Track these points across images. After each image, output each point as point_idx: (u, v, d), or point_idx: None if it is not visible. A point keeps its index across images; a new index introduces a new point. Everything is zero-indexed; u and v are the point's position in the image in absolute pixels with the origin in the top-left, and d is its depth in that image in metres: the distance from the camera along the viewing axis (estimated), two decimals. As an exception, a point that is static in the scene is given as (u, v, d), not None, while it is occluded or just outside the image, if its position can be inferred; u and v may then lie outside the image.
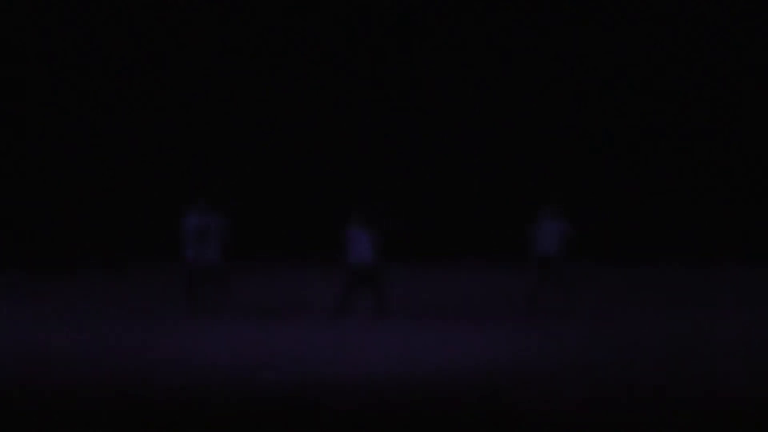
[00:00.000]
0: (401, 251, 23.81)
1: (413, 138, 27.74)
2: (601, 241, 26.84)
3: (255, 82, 28.08)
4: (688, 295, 23.21)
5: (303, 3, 27.97)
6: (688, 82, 27.77)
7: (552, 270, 20.52)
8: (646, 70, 27.65)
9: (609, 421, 13.27)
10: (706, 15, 27.72)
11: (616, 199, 27.63)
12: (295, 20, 28.00)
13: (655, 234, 27.37)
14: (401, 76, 28.06)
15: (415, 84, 28.00)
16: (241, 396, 14.86)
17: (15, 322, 20.47)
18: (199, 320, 20.46)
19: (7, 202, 27.81)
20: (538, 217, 20.60)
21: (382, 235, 20.76)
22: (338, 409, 14.16)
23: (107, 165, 28.23)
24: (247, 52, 28.15)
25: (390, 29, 27.92)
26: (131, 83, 28.20)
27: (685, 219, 27.46)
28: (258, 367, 16.61)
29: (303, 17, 28.00)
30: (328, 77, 28.01)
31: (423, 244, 27.07)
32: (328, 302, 21.37)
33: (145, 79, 28.21)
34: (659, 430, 12.71)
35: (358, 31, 27.96)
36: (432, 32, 27.89)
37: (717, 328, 19.29)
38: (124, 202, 28.06)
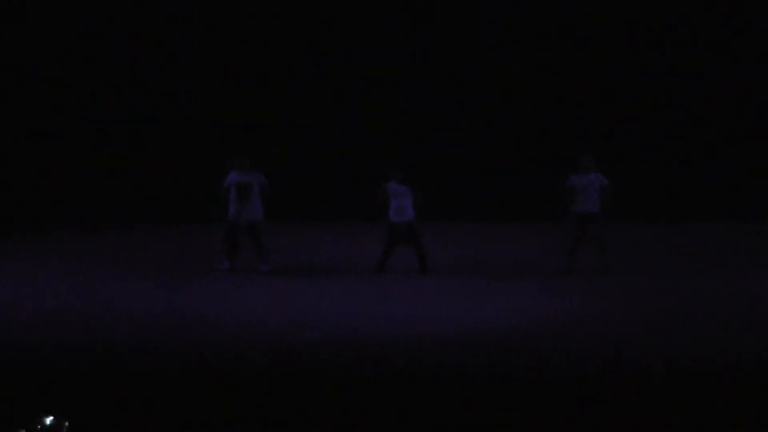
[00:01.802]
0: (437, 211, 23.63)
1: (442, 99, 27.55)
2: (651, 199, 26.69)
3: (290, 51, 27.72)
4: (735, 253, 22.72)
5: None
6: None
7: (591, 227, 19.98)
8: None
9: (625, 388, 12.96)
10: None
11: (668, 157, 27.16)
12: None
13: (713, 193, 26.88)
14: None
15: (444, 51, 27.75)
16: (282, 355, 14.74)
17: (74, 279, 20.34)
18: (239, 276, 20.35)
19: (47, 162, 27.76)
20: (574, 171, 20.07)
21: (421, 192, 20.44)
22: (374, 367, 14.05)
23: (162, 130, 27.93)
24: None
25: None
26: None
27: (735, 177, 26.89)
28: (298, 326, 16.46)
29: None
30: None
31: (459, 204, 26.88)
32: (367, 260, 21.16)
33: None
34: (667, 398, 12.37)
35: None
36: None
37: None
38: (165, 162, 27.85)
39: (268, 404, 12.24)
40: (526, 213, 26.08)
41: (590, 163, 19.99)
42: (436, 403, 12.33)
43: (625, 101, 26.99)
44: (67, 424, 10.71)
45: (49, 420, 10.72)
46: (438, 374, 13.66)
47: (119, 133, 27.77)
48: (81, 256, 22.83)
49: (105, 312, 17.40)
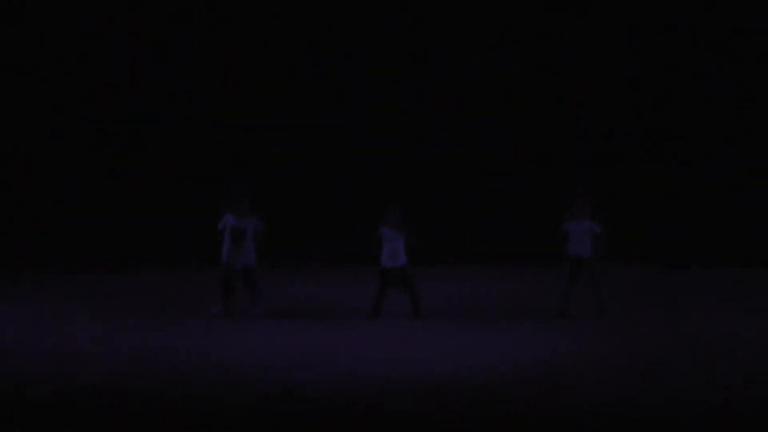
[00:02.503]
0: (431, 255, 23.73)
1: (435, 141, 27.78)
2: (642, 242, 26.75)
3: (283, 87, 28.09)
4: (728, 298, 22.59)
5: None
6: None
7: (585, 271, 20.07)
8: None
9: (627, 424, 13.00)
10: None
11: (654, 200, 27.34)
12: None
13: (701, 236, 27.01)
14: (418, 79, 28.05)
15: (430, 88, 28.02)
16: (277, 395, 14.61)
17: (53, 320, 20.32)
18: (234, 321, 20.22)
19: (44, 203, 27.95)
20: (569, 217, 20.15)
21: (415, 237, 20.30)
22: (371, 409, 13.87)
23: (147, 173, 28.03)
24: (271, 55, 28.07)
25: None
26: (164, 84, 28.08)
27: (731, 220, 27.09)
28: (293, 367, 16.31)
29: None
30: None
31: (457, 248, 27.01)
32: (361, 304, 21.06)
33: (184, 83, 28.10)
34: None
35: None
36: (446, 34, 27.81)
37: (751, 332, 18.73)
38: (161, 205, 27.95)
39: None
40: (521, 255, 26.15)
41: (584, 208, 20.05)
42: None
43: (619, 141, 27.33)
44: None
45: None
46: (432, 418, 13.47)
47: (109, 175, 27.98)
48: (72, 298, 22.76)
49: (95, 353, 17.28)
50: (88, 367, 16.22)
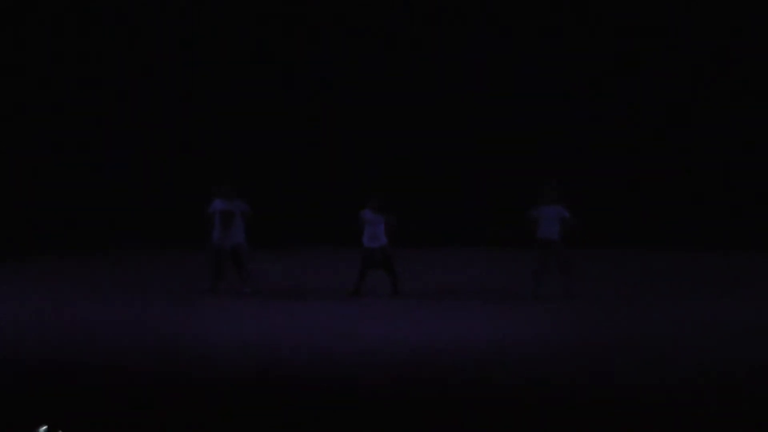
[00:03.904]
0: (410, 237, 23.56)
1: (412, 127, 27.82)
2: (610, 226, 26.49)
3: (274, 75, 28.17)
4: (696, 282, 22.49)
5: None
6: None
7: (553, 254, 20.14)
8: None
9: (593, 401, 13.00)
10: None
11: (624, 184, 27.39)
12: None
13: (671, 219, 26.96)
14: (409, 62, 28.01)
15: (412, 69, 27.94)
16: (260, 369, 14.76)
17: (58, 301, 20.32)
18: (224, 298, 20.40)
19: (49, 188, 27.92)
20: (539, 203, 20.25)
21: (394, 220, 20.60)
22: (348, 382, 14.04)
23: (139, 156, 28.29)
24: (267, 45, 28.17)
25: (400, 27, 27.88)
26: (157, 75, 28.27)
27: (702, 206, 26.99)
28: (277, 343, 16.46)
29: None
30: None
31: (431, 230, 26.95)
32: (343, 283, 21.28)
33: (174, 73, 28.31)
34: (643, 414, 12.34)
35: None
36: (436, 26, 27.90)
37: (718, 316, 18.60)
38: (157, 189, 28.12)
39: (246, 417, 12.20)
40: (494, 239, 26.11)
41: (553, 196, 20.18)
42: (406, 415, 12.38)
43: (597, 130, 27.36)
44: None
45: (42, 429, 10.88)
46: (408, 390, 13.59)
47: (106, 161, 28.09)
48: (70, 279, 22.94)
49: (94, 332, 17.33)
50: (86, 342, 16.37)
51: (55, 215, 27.43)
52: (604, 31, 27.19)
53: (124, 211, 27.72)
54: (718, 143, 26.96)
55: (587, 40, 27.21)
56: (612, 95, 27.23)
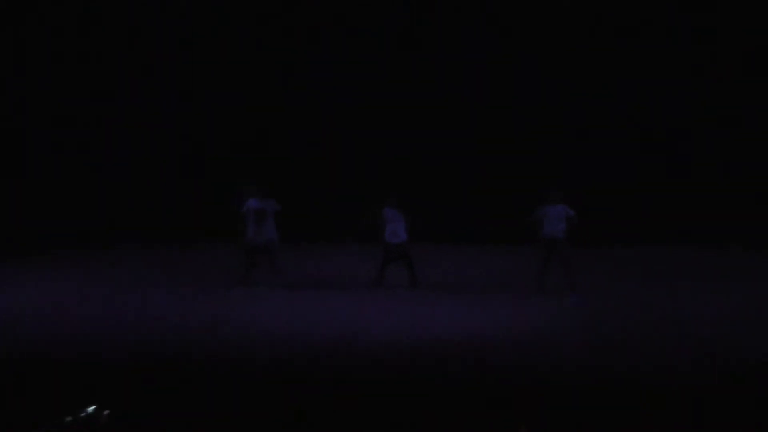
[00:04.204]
0: (426, 233, 23.73)
1: (420, 127, 27.80)
2: (611, 223, 26.54)
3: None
4: (692, 273, 22.71)
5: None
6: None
7: (558, 251, 20.61)
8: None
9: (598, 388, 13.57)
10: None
11: (625, 183, 27.28)
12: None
13: (668, 216, 26.86)
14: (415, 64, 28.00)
15: (421, 72, 27.95)
16: (288, 356, 15.38)
17: (92, 292, 20.92)
18: (256, 291, 20.96)
19: (83, 180, 28.05)
20: (544, 202, 20.73)
21: (414, 218, 21.26)
22: (369, 367, 14.71)
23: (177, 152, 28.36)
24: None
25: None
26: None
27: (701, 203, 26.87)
28: (304, 331, 17.21)
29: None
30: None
31: (444, 228, 27.00)
32: (365, 276, 21.85)
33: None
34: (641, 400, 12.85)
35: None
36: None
37: (714, 305, 19.09)
38: (194, 187, 28.17)
39: (278, 399, 12.75)
40: (504, 237, 26.10)
41: (557, 196, 20.76)
42: (425, 400, 12.94)
43: (596, 130, 27.39)
44: (106, 413, 11.19)
45: (91, 409, 11.17)
46: (427, 375, 14.16)
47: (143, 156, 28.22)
48: (109, 271, 23.36)
49: (138, 319, 18.15)
50: (131, 332, 16.98)
51: (76, 209, 27.43)
52: (604, 31, 27.21)
53: (148, 205, 27.76)
54: (718, 141, 26.97)
55: (589, 40, 27.25)
56: (610, 94, 27.22)
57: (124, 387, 13.22)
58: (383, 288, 21.00)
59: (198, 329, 17.29)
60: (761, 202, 26.51)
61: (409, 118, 27.72)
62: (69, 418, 11.06)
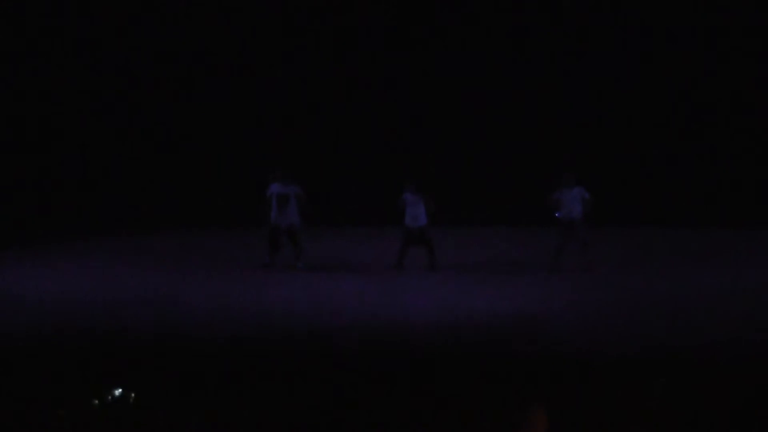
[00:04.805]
0: (446, 217, 23.61)
1: (439, 113, 27.97)
2: (633, 204, 26.82)
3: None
4: (710, 254, 22.87)
5: None
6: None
7: (575, 232, 20.92)
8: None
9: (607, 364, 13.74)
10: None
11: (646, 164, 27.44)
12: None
13: (690, 197, 26.95)
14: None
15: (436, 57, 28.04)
16: (314, 337, 15.59)
17: (119, 276, 21.19)
18: (279, 272, 21.28)
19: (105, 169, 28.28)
20: (561, 186, 21.03)
21: (432, 202, 21.46)
22: (390, 346, 14.89)
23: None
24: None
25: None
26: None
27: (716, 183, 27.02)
28: (327, 312, 17.47)
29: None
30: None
31: (464, 211, 27.15)
32: (386, 258, 21.95)
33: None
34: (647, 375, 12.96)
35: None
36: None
37: (729, 288, 19.08)
38: (217, 173, 28.38)
39: (303, 378, 12.89)
40: (522, 218, 26.34)
41: (572, 180, 21.10)
42: (444, 374, 13.22)
43: (612, 116, 27.50)
44: (133, 395, 11.22)
45: (118, 392, 11.17)
46: (444, 354, 14.42)
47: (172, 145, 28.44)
48: (139, 255, 23.68)
49: (165, 302, 18.38)
50: (151, 314, 17.24)
51: (119, 195, 27.85)
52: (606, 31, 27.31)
53: (184, 190, 28.03)
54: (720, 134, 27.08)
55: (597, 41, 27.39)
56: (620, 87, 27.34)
57: (150, 370, 13.38)
58: (404, 270, 21.28)
59: (218, 311, 17.53)
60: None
61: (429, 102, 27.89)
62: (96, 401, 11.14)
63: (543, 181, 22.79)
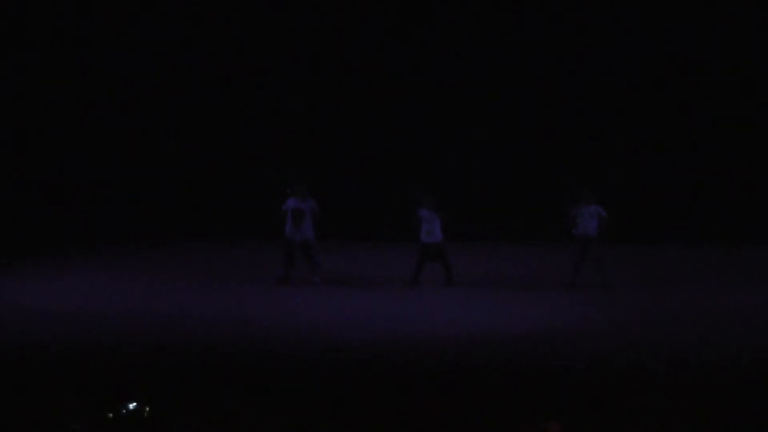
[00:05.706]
0: (461, 233, 23.40)
1: (454, 129, 27.52)
2: (648, 222, 26.34)
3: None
4: (728, 272, 22.57)
5: None
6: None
7: (591, 248, 20.85)
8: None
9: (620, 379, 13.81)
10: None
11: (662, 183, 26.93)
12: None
13: (703, 214, 26.45)
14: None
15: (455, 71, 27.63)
16: (329, 351, 15.62)
17: (130, 289, 21.12)
18: (294, 287, 21.18)
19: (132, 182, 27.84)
20: (579, 203, 20.99)
21: (447, 218, 21.34)
22: (404, 362, 14.86)
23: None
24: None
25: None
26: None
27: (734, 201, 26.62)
28: (342, 327, 17.45)
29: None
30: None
31: (480, 227, 26.70)
32: (402, 273, 21.81)
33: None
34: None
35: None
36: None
37: (746, 306, 19.08)
38: (233, 188, 27.88)
39: (318, 391, 12.94)
40: (539, 235, 25.83)
41: (590, 196, 21.05)
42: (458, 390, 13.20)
43: (623, 135, 27.04)
44: (147, 409, 11.25)
45: (132, 405, 11.21)
46: (462, 369, 14.42)
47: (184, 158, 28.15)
48: (155, 268, 23.56)
49: (179, 315, 18.34)
50: (168, 327, 17.25)
51: (135, 207, 27.40)
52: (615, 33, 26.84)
53: (195, 205, 27.55)
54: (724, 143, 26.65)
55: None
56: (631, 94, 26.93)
57: (163, 383, 13.46)
58: (420, 285, 21.13)
59: (233, 325, 17.47)
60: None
61: (444, 117, 27.54)
62: (110, 415, 11.11)
63: (557, 197, 22.53)
